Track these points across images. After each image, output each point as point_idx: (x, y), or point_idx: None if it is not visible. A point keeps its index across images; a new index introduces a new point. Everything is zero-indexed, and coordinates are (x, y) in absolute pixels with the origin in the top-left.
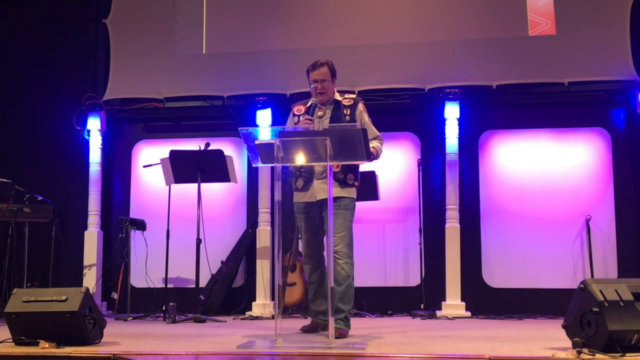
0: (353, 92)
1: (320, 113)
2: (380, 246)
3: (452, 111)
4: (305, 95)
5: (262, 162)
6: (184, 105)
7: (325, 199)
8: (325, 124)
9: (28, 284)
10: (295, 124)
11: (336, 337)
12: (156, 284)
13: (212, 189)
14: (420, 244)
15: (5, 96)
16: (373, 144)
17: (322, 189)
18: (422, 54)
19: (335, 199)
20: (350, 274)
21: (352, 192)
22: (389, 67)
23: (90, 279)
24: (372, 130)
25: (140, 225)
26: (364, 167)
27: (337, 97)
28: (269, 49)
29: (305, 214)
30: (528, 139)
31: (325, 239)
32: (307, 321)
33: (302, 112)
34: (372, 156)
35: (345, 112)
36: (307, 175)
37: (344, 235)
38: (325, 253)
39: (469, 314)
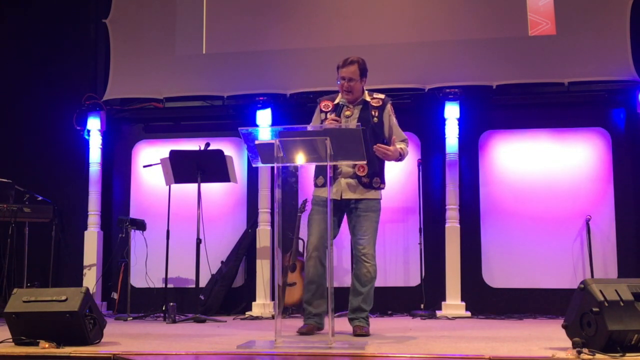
0: (382, 93)
1: (348, 113)
2: (380, 246)
3: (452, 111)
4: (305, 95)
5: (262, 162)
6: (184, 105)
7: (351, 200)
8: (352, 125)
9: (28, 284)
10: (322, 120)
11: (361, 335)
12: (156, 284)
13: (212, 189)
14: (420, 244)
15: (6, 96)
16: (401, 145)
17: (348, 189)
18: (422, 54)
19: (363, 200)
20: (375, 276)
21: (378, 194)
22: (389, 67)
23: (90, 279)
24: (400, 133)
25: (140, 225)
26: None
27: (366, 97)
28: (269, 49)
29: (324, 208)
30: (528, 139)
31: (334, 238)
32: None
33: (329, 109)
34: (399, 157)
35: (373, 113)
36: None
37: (370, 238)
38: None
39: (469, 314)
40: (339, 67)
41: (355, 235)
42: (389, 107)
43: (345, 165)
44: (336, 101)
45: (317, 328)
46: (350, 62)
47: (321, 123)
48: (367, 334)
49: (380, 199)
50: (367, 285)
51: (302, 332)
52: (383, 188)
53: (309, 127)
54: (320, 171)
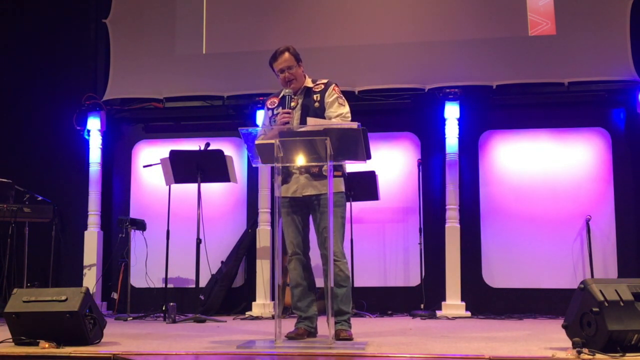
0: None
1: (293, 104)
2: (380, 246)
3: (452, 111)
4: None
5: (262, 162)
6: (184, 105)
7: (312, 196)
8: (297, 116)
9: (28, 284)
10: (270, 117)
11: (344, 339)
12: (156, 284)
13: (212, 189)
14: (420, 244)
15: (6, 96)
16: (337, 120)
17: (309, 185)
18: (422, 54)
19: (323, 195)
20: (349, 274)
21: (339, 186)
22: (389, 67)
23: (90, 279)
24: (335, 108)
25: (140, 225)
26: (364, 166)
27: (309, 84)
28: (269, 49)
29: (289, 208)
30: (528, 139)
31: (315, 237)
32: None
33: (275, 105)
34: None
35: (315, 98)
36: (284, 169)
37: (337, 235)
38: (313, 252)
39: (469, 314)
40: (271, 62)
41: (321, 234)
42: (331, 88)
43: None
44: (281, 94)
45: (308, 333)
46: (281, 52)
47: (270, 121)
48: (350, 338)
49: (343, 191)
50: (344, 286)
51: (290, 337)
52: (340, 176)
53: (260, 128)
54: (278, 168)
